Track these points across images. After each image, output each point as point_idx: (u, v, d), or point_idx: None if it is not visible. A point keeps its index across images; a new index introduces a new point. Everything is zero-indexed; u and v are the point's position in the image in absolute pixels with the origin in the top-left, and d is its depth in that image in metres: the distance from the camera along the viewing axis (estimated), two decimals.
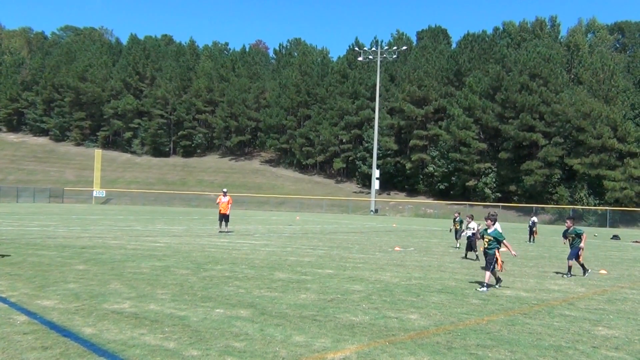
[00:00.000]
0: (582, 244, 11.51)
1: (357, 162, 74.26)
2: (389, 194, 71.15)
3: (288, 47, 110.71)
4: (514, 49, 74.31)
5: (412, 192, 71.42)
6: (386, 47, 69.80)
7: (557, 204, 56.41)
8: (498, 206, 56.63)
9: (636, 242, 26.19)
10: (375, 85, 66.81)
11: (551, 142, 58.69)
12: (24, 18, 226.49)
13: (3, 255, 11.46)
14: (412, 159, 69.73)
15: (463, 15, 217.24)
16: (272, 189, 72.54)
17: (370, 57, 67.62)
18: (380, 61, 66.31)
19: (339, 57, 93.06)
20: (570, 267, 11.56)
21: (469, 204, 55.25)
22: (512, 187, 60.53)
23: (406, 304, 7.73)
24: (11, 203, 53.77)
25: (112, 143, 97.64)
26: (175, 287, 8.43)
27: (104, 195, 67.15)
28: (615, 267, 14.05)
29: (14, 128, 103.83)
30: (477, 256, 13.87)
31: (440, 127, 68.67)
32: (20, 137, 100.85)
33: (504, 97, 61.97)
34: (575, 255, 11.50)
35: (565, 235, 12.06)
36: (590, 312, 7.59)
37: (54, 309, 6.61)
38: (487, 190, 61.70)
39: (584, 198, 55.63)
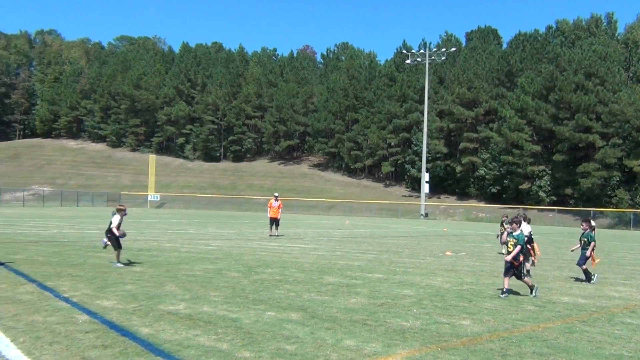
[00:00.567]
0: (587, 253, 10.60)
1: (406, 166, 73.59)
2: (439, 198, 70.18)
3: (335, 51, 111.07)
4: (568, 47, 71.91)
5: (463, 195, 70.19)
6: (434, 49, 68.98)
7: (616, 208, 54.17)
8: (553, 210, 54.96)
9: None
10: (423, 87, 66.11)
11: (609, 143, 56.45)
12: (83, 29, 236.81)
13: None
14: (463, 162, 68.56)
15: (514, 15, 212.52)
16: (320, 193, 72.81)
17: (419, 59, 66.97)
18: (429, 63, 65.57)
19: (386, 61, 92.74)
20: (585, 272, 10.72)
21: (522, 208, 53.76)
22: (568, 190, 58.50)
23: (458, 309, 7.60)
24: (72, 207, 56.07)
25: (165, 148, 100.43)
26: (228, 289, 8.59)
27: (158, 199, 69.03)
28: None
29: (74, 135, 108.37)
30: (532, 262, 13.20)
31: (491, 129, 67.26)
32: (79, 144, 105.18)
33: (558, 97, 60.05)
34: (584, 260, 10.64)
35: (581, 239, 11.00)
36: None
37: (113, 309, 6.86)
38: (542, 194, 59.94)
39: None
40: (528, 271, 11.78)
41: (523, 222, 10.42)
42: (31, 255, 12.44)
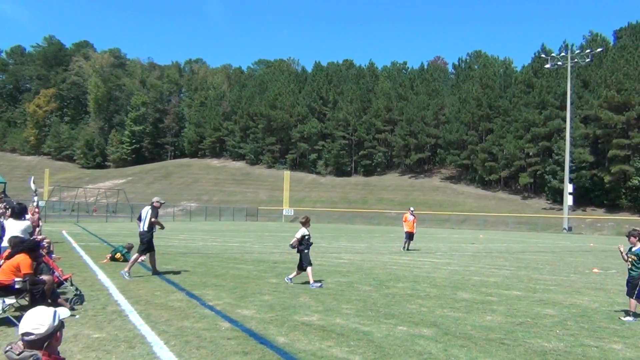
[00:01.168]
0: None
1: (547, 177, 69.03)
2: (584, 210, 64.79)
3: (468, 60, 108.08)
4: None
5: (613, 207, 64.13)
6: (577, 51, 64.18)
7: None
8: None
9: None
10: (565, 93, 61.75)
11: None
12: (225, 56, 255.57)
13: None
14: (612, 171, 62.80)
15: None
16: (453, 207, 70.76)
17: (559, 63, 62.64)
18: (571, 66, 61.08)
19: (523, 67, 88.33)
20: (633, 307, 8.00)
21: None
22: None
23: (608, 332, 6.96)
24: (215, 221, 60.16)
25: (299, 165, 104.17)
26: (359, 302, 8.67)
27: (292, 213, 71.56)
28: None
29: (217, 154, 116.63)
30: None
31: None
32: (222, 162, 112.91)
33: None
34: (634, 288, 7.91)
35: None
36: None
37: (252, 318, 7.25)
38: None
39: None
40: None
41: None
42: (180, 266, 13.57)
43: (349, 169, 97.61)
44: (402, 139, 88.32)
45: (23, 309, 6.67)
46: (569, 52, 62.09)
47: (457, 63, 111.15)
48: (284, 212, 71.41)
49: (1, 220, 9.52)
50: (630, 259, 8.04)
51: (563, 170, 59.82)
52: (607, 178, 63.88)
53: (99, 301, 8.16)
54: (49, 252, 9.91)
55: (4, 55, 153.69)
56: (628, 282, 8.07)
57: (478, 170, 79.41)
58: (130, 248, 14.42)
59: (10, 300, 6.99)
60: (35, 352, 2.91)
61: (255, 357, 5.39)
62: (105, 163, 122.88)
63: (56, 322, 3.01)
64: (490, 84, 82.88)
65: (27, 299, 7.07)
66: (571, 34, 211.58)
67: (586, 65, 67.42)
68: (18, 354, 2.90)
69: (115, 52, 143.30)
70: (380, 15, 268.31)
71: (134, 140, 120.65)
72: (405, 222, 21.49)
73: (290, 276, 10.82)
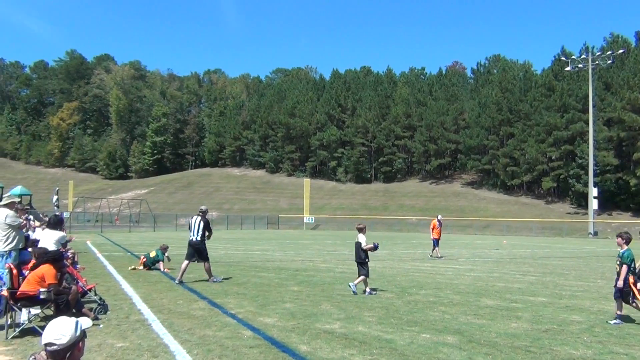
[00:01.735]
0: (620, 281, 7.80)
1: (570, 181, 67.98)
2: (610, 215, 63.61)
3: (487, 64, 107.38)
4: None
5: (639, 211, 62.88)
6: (598, 53, 63.25)
7: None
8: None
9: None
10: (587, 95, 60.84)
11: None
12: (244, 66, 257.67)
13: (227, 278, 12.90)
14: (638, 174, 61.56)
15: None
16: (475, 212, 70.05)
17: (580, 65, 61.79)
18: (593, 68, 60.20)
19: (543, 70, 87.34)
20: (619, 307, 7.94)
21: None
22: None
23: (638, 338, 6.79)
24: (236, 229, 60.44)
25: (319, 172, 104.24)
26: (381, 310, 8.60)
27: (313, 221, 71.62)
28: None
29: (237, 163, 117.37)
30: None
31: None
32: (242, 171, 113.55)
33: None
34: (620, 291, 7.85)
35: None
36: None
37: (274, 326, 7.23)
38: None
39: None
40: None
41: None
42: (202, 274, 13.60)
43: (369, 176, 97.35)
44: (422, 144, 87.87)
45: (48, 318, 6.74)
46: (590, 54, 61.20)
47: (475, 67, 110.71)
48: (305, 220, 71.45)
49: (28, 232, 9.69)
50: (617, 262, 8.05)
51: (587, 174, 58.88)
52: (632, 181, 62.66)
53: (122, 310, 8.23)
54: (74, 263, 10.04)
55: (27, 70, 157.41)
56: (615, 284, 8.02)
57: (500, 175, 78.58)
58: (165, 249, 14.83)
59: (35, 310, 7.08)
60: None
61: None
62: (128, 174, 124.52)
63: (78, 333, 3.02)
64: (510, 88, 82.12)
65: (52, 308, 7.16)
66: (592, 36, 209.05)
67: (608, 67, 66.44)
68: None
69: (135, 65, 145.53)
70: (397, 22, 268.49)
71: (155, 151, 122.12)
72: (434, 229, 21.32)
73: (353, 285, 10.54)
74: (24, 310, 6.90)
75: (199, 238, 11.89)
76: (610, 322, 7.83)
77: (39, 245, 8.70)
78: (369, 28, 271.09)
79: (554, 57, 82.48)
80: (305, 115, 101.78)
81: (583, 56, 63.34)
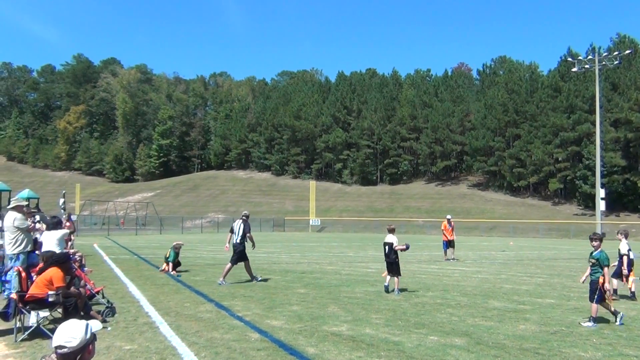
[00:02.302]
0: (607, 283, 7.78)
1: (577, 182, 67.66)
2: (617, 216, 63.27)
3: (492, 66, 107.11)
4: None
5: None
6: (605, 53, 62.95)
7: None
8: None
9: None
10: (593, 96, 60.56)
11: None
12: (249, 69, 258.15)
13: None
14: None
15: None
16: (481, 214, 69.83)
17: (587, 66, 61.41)
18: (599, 69, 59.87)
19: (549, 71, 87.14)
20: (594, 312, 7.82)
21: None
22: None
23: None
24: None
25: (324, 174, 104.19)
26: (389, 312, 8.58)
27: (319, 223, 71.56)
28: None
29: (242, 166, 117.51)
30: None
31: None
32: (248, 174, 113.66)
33: None
34: (594, 293, 7.80)
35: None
36: None
37: (281, 328, 7.23)
38: None
39: None
40: (615, 291, 10.36)
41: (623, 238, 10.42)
42: (209, 277, 13.65)
43: (375, 178, 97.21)
44: (428, 146, 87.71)
45: (57, 321, 6.77)
46: (597, 54, 60.86)
47: (481, 69, 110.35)
48: (311, 222, 71.43)
49: (36, 235, 9.74)
50: (590, 263, 8.05)
51: (594, 175, 58.54)
52: None
53: (130, 313, 8.25)
54: (81, 266, 10.07)
55: (35, 74, 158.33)
56: (590, 286, 8.00)
57: (506, 176, 78.31)
58: (179, 247, 15.10)
59: (44, 313, 7.12)
60: None
61: None
62: (134, 177, 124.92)
63: (88, 335, 3.03)
64: (516, 89, 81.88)
65: (60, 311, 7.19)
66: (598, 37, 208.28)
67: (614, 67, 66.03)
68: None
69: (141, 68, 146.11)
70: (402, 24, 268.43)
71: (161, 154, 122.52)
72: (445, 230, 21.01)
73: (386, 283, 11.11)
74: (32, 313, 6.94)
75: (238, 240, 12.62)
76: (583, 324, 7.77)
77: (43, 249, 8.74)
78: (374, 30, 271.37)
79: (561, 57, 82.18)
80: (311, 118, 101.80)
81: (590, 57, 63.00)
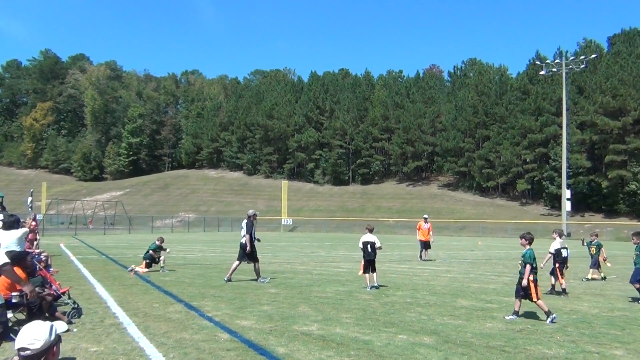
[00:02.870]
0: (524, 279, 8.19)
1: (544, 183, 69.17)
2: (582, 216, 64.89)
3: (463, 68, 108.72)
4: None
5: (611, 213, 64.24)
6: (572, 57, 64.54)
7: None
8: None
9: None
10: (560, 99, 62.04)
11: None
12: (221, 67, 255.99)
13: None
14: (609, 177, 62.99)
15: None
16: (451, 214, 70.78)
17: (554, 69, 62.95)
18: (566, 73, 61.38)
19: (518, 74, 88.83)
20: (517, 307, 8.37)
21: None
22: None
23: (609, 337, 6.94)
24: (213, 232, 60.00)
25: (296, 174, 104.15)
26: (359, 311, 8.63)
27: (291, 223, 71.46)
28: None
29: (214, 165, 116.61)
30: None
31: None
32: (219, 173, 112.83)
33: None
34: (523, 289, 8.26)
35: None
36: None
37: (251, 328, 7.20)
38: None
39: None
40: (564, 290, 10.91)
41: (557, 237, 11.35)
42: (179, 277, 13.52)
43: (347, 178, 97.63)
44: (399, 147, 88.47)
45: (20, 323, 6.62)
46: (564, 58, 62.43)
47: (452, 71, 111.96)
48: (283, 222, 71.30)
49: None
50: (519, 261, 8.52)
51: (560, 176, 59.96)
52: (604, 183, 64.03)
53: (97, 314, 8.11)
54: (47, 266, 9.86)
55: (0, 69, 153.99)
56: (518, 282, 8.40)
57: (475, 177, 79.53)
58: (162, 241, 15.48)
59: (7, 315, 6.94)
60: None
61: None
62: (103, 175, 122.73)
63: (52, 337, 2.98)
64: (486, 91, 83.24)
65: (24, 313, 7.02)
66: (565, 41, 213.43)
67: (581, 71, 67.78)
68: None
69: (111, 65, 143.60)
70: (375, 25, 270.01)
71: (131, 152, 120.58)
72: (419, 230, 20.94)
73: (369, 284, 11.52)
74: None
75: (242, 240, 12.62)
76: (506, 317, 8.18)
77: (1, 249, 8.45)
78: (348, 30, 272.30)
79: (529, 61, 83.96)
80: (284, 117, 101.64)
81: (557, 60, 64.55)
